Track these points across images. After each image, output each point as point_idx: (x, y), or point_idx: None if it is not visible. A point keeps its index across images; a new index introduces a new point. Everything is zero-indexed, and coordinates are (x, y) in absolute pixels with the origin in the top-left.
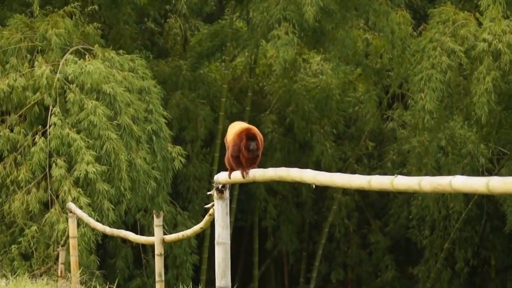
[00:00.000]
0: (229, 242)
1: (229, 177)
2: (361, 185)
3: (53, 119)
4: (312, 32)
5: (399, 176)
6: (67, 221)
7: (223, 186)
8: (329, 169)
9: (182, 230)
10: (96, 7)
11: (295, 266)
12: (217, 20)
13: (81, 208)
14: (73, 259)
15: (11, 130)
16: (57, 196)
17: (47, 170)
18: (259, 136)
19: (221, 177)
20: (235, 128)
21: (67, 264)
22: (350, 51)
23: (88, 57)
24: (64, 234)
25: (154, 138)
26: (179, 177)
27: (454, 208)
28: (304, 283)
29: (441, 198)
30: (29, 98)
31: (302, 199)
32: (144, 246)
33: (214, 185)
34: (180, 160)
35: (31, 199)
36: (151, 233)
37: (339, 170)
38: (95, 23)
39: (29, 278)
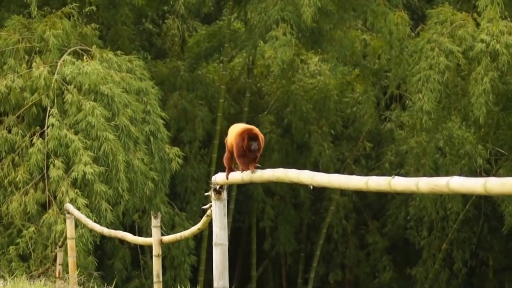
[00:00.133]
0: (227, 243)
1: (227, 178)
2: (359, 186)
3: (51, 120)
4: (310, 33)
5: (397, 177)
6: (65, 222)
7: (221, 187)
8: (327, 170)
9: (180, 231)
10: (94, 8)
11: (293, 267)
12: (215, 21)
13: (78, 209)
14: (71, 260)
15: (9, 131)
16: (55, 197)
17: (45, 171)
18: (261, 136)
19: (219, 178)
20: (236, 129)
21: (65, 265)
22: (348, 51)
23: (86, 58)
24: (62, 235)
25: (151, 139)
26: (177, 178)
27: (452, 209)
28: (302, 284)
29: (439, 199)
30: (27, 99)
31: (300, 200)
32: (142, 247)
33: (212, 186)
34: (178, 161)
35: (29, 200)
36: (149, 234)
37: (337, 171)
38: (93, 24)
39: (27, 279)
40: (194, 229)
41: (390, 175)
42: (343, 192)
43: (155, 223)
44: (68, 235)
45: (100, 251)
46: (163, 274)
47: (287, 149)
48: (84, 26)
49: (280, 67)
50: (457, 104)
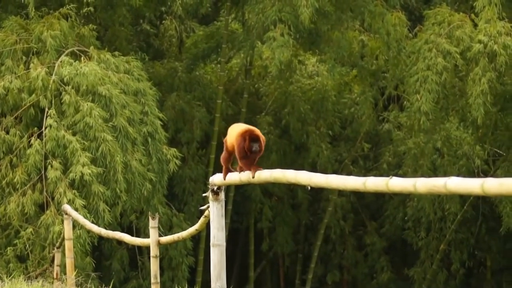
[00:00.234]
0: (224, 243)
1: (224, 178)
2: (356, 187)
3: (49, 121)
4: (308, 34)
5: (394, 178)
6: (63, 223)
7: (219, 188)
8: (325, 171)
9: (178, 232)
10: (91, 8)
11: (291, 268)
12: (213, 22)
13: (76, 210)
14: (69, 261)
15: (7, 132)
16: (53, 198)
17: (43, 172)
18: (262, 138)
19: (217, 178)
20: (237, 129)
21: (63, 266)
22: (345, 52)
23: (84, 59)
24: (60, 236)
25: (149, 140)
26: (175, 179)
27: (450, 209)
28: (299, 285)
29: (437, 199)
30: (25, 100)
31: (297, 200)
32: (139, 248)
33: (210, 186)
34: (176, 162)
35: (27, 201)
36: (147, 235)
37: (335, 172)
38: (90, 25)
39: (25, 280)
40: (191, 230)
41: (388, 176)
42: (341, 192)
43: (152, 224)
44: (66, 236)
45: (98, 252)
46: (161, 275)
47: (285, 150)
48: (82, 27)
49: (277, 68)
50: (455, 105)
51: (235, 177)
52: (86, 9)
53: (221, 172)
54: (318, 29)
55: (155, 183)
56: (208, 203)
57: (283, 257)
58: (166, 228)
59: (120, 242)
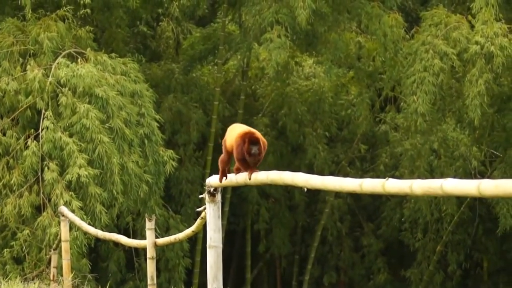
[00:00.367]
0: (221, 245)
1: (220, 181)
2: (353, 189)
3: (46, 122)
4: (305, 35)
5: (390, 179)
6: (59, 224)
7: (215, 189)
8: (321, 172)
9: (175, 234)
10: (88, 10)
11: (288, 269)
12: (210, 24)
13: (73, 211)
14: (65, 263)
15: (4, 134)
16: (49, 200)
17: (40, 173)
18: (262, 140)
19: (213, 180)
20: (236, 130)
21: (59, 267)
22: (342, 54)
23: (81, 61)
24: (56, 237)
25: (146, 141)
26: (171, 181)
27: (447, 210)
28: (296, 286)
29: (434, 200)
30: (22, 102)
31: (294, 202)
32: (136, 249)
33: (206, 188)
34: (172, 164)
35: (24, 203)
36: (144, 237)
37: (332, 173)
38: (87, 27)
39: (21, 281)
40: (188, 231)
41: (384, 177)
42: (337, 194)
43: (149, 225)
44: (63, 238)
45: (95, 254)
46: (158, 276)
47: (281, 151)
48: (79, 28)
49: (274, 69)
50: (451, 106)
51: (231, 179)
52: (83, 11)
53: (217, 173)
54: (315, 31)
55: (151, 185)
56: (205, 204)
57: (280, 258)
58: (163, 229)
59: (116, 244)
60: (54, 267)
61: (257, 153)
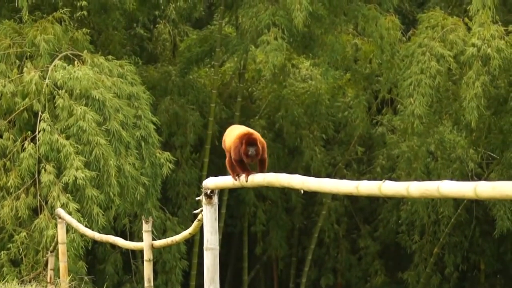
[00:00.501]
0: (217, 247)
1: (235, 179)
2: (349, 191)
3: (42, 125)
4: (301, 37)
5: (387, 182)
6: (56, 227)
7: (212, 191)
8: (318, 174)
9: (172, 236)
10: (85, 12)
11: (285, 272)
12: (206, 26)
13: (70, 214)
14: (62, 265)
15: (0, 136)
16: (46, 202)
17: (36, 176)
18: (260, 141)
19: (210, 182)
20: (235, 132)
21: (56, 270)
22: (339, 56)
23: (77, 63)
24: (53, 240)
25: (143, 144)
26: (168, 183)
27: (444, 213)
28: None
29: (431, 203)
30: (18, 104)
31: (291, 204)
32: (133, 251)
33: (203, 190)
34: (169, 166)
35: (20, 205)
36: (141, 239)
37: (329, 175)
38: (84, 29)
39: (18, 284)
40: (185, 233)
41: (381, 179)
42: (334, 196)
43: (146, 227)
44: (60, 240)
45: (92, 256)
46: (155, 278)
47: (278, 153)
48: (75, 31)
49: (271, 71)
50: (448, 108)
51: (228, 181)
52: (79, 13)
53: (214, 175)
54: (312, 33)
55: (148, 187)
56: (202, 206)
57: (277, 260)
58: (160, 232)
59: (113, 246)
60: (51, 269)
61: (254, 154)
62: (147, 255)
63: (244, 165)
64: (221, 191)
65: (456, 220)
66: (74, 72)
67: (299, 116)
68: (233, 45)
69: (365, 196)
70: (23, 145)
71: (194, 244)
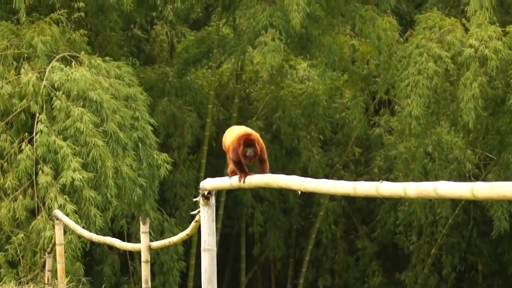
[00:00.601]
0: (215, 248)
1: (239, 181)
2: (347, 191)
3: (40, 126)
4: (299, 39)
5: (384, 182)
6: (54, 228)
7: (209, 192)
8: (316, 175)
9: (169, 237)
10: (82, 14)
11: (282, 272)
12: (204, 27)
13: (67, 215)
14: (60, 267)
15: None
16: (44, 203)
17: (34, 177)
18: (258, 142)
19: (207, 183)
20: (234, 132)
21: (54, 271)
22: (336, 57)
23: (75, 64)
24: (51, 241)
25: (140, 145)
26: (166, 184)
27: (441, 213)
28: None
29: (428, 203)
30: (16, 106)
31: (289, 205)
32: (131, 253)
33: (200, 191)
34: (166, 167)
35: (18, 207)
36: (138, 240)
37: (326, 176)
38: (81, 30)
39: (16, 285)
40: (182, 234)
41: (379, 180)
42: (332, 197)
43: (143, 229)
44: (57, 241)
45: (89, 257)
46: (152, 280)
47: (276, 154)
48: (73, 32)
49: (269, 72)
50: (446, 109)
51: (225, 182)
52: (77, 14)
53: (212, 176)
54: (309, 34)
55: (146, 188)
56: (199, 208)
57: (274, 261)
58: (158, 233)
59: (111, 247)
60: (48, 271)
61: (252, 155)
62: (145, 256)
63: (242, 166)
64: (219, 192)
65: (453, 221)
66: (72, 73)
67: (296, 117)
68: (230, 46)
69: (362, 197)
70: (20, 147)
71: (192, 245)
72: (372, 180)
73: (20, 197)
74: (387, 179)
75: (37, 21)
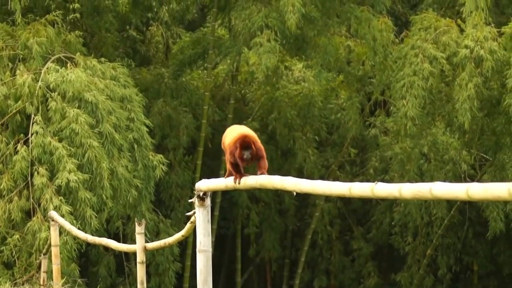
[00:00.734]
0: (210, 249)
1: (235, 182)
2: (342, 192)
3: (35, 127)
4: (294, 39)
5: (380, 183)
6: (49, 229)
7: (204, 193)
8: (311, 176)
9: (165, 238)
10: (78, 15)
11: (278, 273)
12: (199, 28)
13: (63, 216)
14: (55, 268)
15: None
16: (39, 205)
17: (29, 178)
18: (255, 143)
19: (203, 184)
20: (233, 134)
21: (50, 272)
22: (332, 58)
23: (70, 65)
24: (46, 242)
25: (135, 146)
26: (161, 185)
27: (437, 214)
28: None
29: (424, 204)
30: (11, 107)
31: (284, 206)
32: (127, 254)
33: (196, 192)
34: (162, 168)
35: (13, 208)
36: (134, 241)
37: (322, 177)
38: (77, 31)
39: (11, 286)
40: (178, 235)
41: (374, 181)
42: (327, 198)
43: (139, 230)
44: (53, 243)
45: (85, 258)
46: (148, 281)
47: (271, 155)
48: (68, 33)
49: (264, 73)
50: (441, 110)
51: (221, 183)
52: (72, 15)
53: (207, 178)
54: (305, 35)
55: (141, 190)
56: (195, 209)
57: (270, 262)
58: (153, 234)
59: (107, 248)
60: (44, 272)
61: (249, 157)
62: (140, 257)
63: (238, 168)
64: (214, 193)
65: (449, 222)
66: (67, 74)
67: (292, 118)
68: (226, 47)
69: (358, 197)
70: (15, 148)
71: (187, 246)
72: (368, 180)
73: (16, 198)
74: (383, 180)
75: (32, 22)
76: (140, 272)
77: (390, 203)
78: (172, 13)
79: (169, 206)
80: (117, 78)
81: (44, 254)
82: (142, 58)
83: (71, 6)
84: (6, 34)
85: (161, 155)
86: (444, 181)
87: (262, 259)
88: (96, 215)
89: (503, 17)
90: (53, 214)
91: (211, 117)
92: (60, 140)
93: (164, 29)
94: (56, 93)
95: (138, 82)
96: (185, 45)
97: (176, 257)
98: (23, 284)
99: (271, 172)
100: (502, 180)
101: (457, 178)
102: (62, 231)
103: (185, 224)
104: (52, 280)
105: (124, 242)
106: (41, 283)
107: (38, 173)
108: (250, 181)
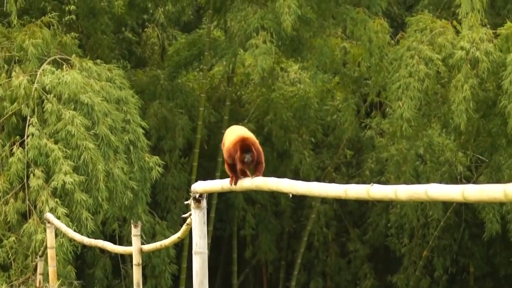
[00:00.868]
0: (206, 251)
1: (231, 184)
2: (338, 194)
3: (31, 129)
4: (290, 41)
5: (375, 185)
6: (45, 231)
7: (200, 195)
8: (307, 178)
9: (161, 240)
10: (73, 17)
11: (274, 275)
12: (195, 29)
13: (59, 218)
14: (52, 270)
15: None
16: (35, 207)
17: (25, 180)
18: (255, 145)
19: (198, 186)
20: (232, 135)
21: (46, 274)
22: (328, 59)
23: (66, 67)
24: (42, 244)
25: (131, 148)
26: (157, 187)
27: (433, 216)
28: None
29: (420, 206)
30: (7, 109)
31: (281, 208)
32: (123, 256)
33: (192, 194)
34: (158, 170)
35: (9, 210)
36: (130, 243)
37: (318, 179)
38: (72, 33)
39: None
40: (174, 237)
41: (370, 182)
42: (324, 200)
43: (135, 232)
44: (49, 245)
45: (81, 260)
46: (144, 283)
47: (267, 157)
48: (64, 35)
49: (260, 75)
50: (437, 111)
51: (216, 184)
52: (68, 17)
53: (203, 179)
54: (300, 36)
55: (137, 191)
56: (191, 211)
57: (266, 264)
58: (149, 236)
59: (103, 250)
60: (40, 274)
61: (250, 160)
62: (136, 259)
63: (235, 169)
64: (210, 195)
65: (445, 223)
66: (63, 76)
67: (288, 119)
68: (221, 48)
69: (354, 199)
70: (11, 150)
71: (184, 248)
72: (364, 182)
73: (12, 200)
74: (379, 182)
75: (28, 24)
76: (136, 274)
77: (386, 205)
78: (167, 14)
79: (165, 208)
80: (113, 80)
81: (40, 256)
82: (137, 60)
83: (67, 8)
84: (2, 36)
85: (157, 157)
86: (440, 182)
87: (258, 261)
88: (92, 217)
89: (498, 18)
90: (49, 216)
91: (207, 119)
92: (56, 142)
93: (159, 30)
94: (52, 95)
95: (134, 84)
96: (181, 47)
97: (172, 259)
98: (19, 286)
99: (267, 174)
100: (498, 181)
101: (453, 179)
102: (58, 233)
103: (181, 226)
104: (48, 282)
105: (120, 244)
106: (37, 285)
107: (34, 175)
108: (246, 183)
